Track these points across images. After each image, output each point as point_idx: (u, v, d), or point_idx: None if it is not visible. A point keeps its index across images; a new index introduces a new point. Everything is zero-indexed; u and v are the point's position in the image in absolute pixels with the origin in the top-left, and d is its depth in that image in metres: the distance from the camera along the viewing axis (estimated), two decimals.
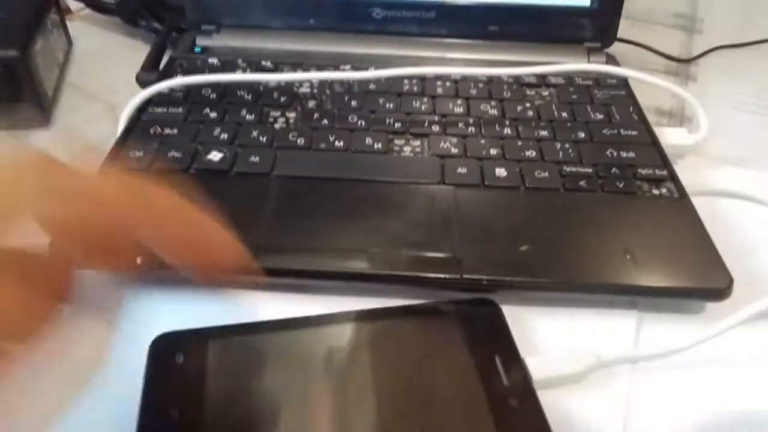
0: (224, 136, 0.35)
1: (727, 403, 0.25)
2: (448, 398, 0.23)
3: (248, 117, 0.36)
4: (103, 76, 0.44)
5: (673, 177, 0.33)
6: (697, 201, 0.32)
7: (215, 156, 0.33)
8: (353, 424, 0.22)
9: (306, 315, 0.25)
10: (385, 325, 0.25)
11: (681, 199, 0.32)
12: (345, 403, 0.22)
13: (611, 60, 0.44)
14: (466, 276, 0.27)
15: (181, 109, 0.37)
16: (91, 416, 0.24)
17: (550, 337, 0.27)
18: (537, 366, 0.24)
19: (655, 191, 0.32)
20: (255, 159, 0.33)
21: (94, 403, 0.24)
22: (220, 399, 0.22)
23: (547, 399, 0.23)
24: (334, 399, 0.23)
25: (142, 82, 0.41)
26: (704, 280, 0.28)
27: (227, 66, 0.41)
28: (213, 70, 0.41)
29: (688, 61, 0.49)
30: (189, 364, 0.23)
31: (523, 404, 0.23)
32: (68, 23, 0.47)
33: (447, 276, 0.28)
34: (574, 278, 0.28)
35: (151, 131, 0.35)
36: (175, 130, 0.35)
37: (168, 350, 0.24)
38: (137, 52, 0.45)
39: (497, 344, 0.25)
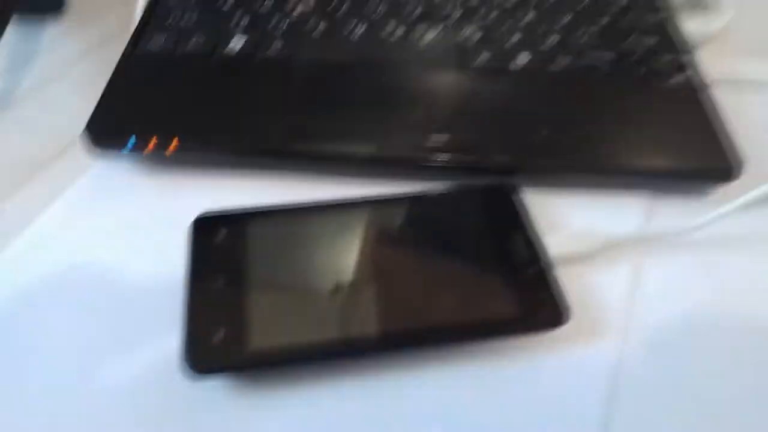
0: (244, 21, 0.34)
1: (731, 280, 0.27)
2: (472, 271, 0.25)
3: (267, 2, 0.36)
4: None
5: (694, 64, 0.33)
6: (717, 89, 0.32)
7: (237, 42, 0.33)
8: (385, 291, 0.24)
9: (338, 198, 0.27)
10: (413, 207, 0.27)
11: (700, 85, 0.32)
12: (378, 274, 0.24)
13: None
14: (485, 158, 0.28)
15: None
16: (142, 283, 0.26)
17: (565, 218, 0.29)
18: (551, 243, 0.26)
19: (674, 78, 0.33)
20: (277, 45, 0.33)
21: (144, 271, 0.26)
22: (259, 269, 0.24)
23: (559, 274, 0.25)
24: (366, 272, 0.24)
25: None
26: (715, 162, 0.29)
27: None
28: None
29: None
30: (229, 240, 0.25)
31: (538, 275, 0.24)
32: None
33: (469, 158, 0.29)
34: (592, 161, 0.29)
35: (171, 16, 0.35)
36: (195, 16, 0.35)
37: (208, 227, 0.25)
38: None
39: (517, 223, 0.26)
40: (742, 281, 0.27)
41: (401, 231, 0.26)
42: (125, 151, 0.29)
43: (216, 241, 0.25)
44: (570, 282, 0.25)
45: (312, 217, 0.26)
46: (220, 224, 0.25)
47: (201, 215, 0.26)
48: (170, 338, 0.23)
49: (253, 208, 0.26)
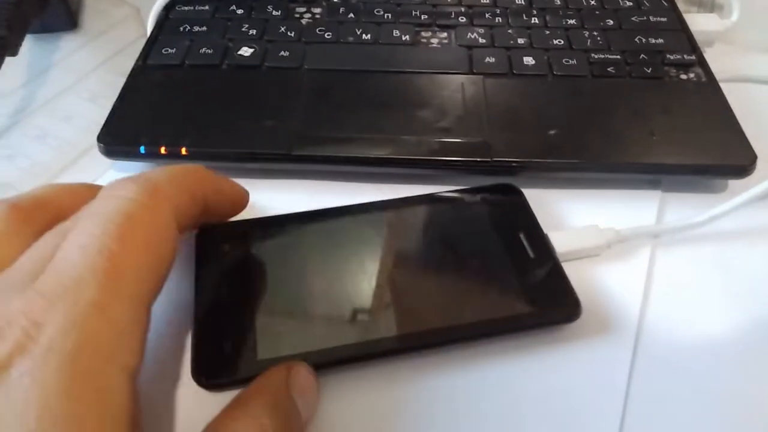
0: (253, 32, 0.35)
1: (743, 276, 0.27)
2: (484, 270, 0.24)
3: (275, 13, 0.37)
4: None
5: (702, 62, 0.33)
6: (725, 87, 0.32)
7: (246, 51, 0.34)
8: (398, 294, 0.23)
9: (341, 205, 0.26)
10: (417, 209, 0.27)
11: (709, 83, 0.32)
12: (383, 277, 0.24)
13: None
14: (496, 159, 0.28)
15: (207, 7, 0.37)
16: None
17: (576, 217, 0.28)
18: (559, 240, 0.26)
19: (683, 76, 0.33)
20: (285, 53, 0.34)
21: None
22: (266, 277, 0.24)
23: (569, 271, 0.24)
24: (378, 276, 0.24)
25: None
26: (727, 157, 0.28)
27: None
28: None
29: None
30: (234, 250, 0.25)
31: (547, 272, 0.24)
32: None
33: (477, 159, 0.29)
34: (601, 158, 0.29)
35: (181, 29, 0.35)
36: (204, 28, 0.35)
37: (212, 239, 0.25)
38: None
39: (521, 222, 0.26)
40: (755, 275, 0.27)
41: (411, 233, 0.26)
42: (136, 159, 0.29)
43: (221, 252, 0.24)
44: (581, 278, 0.24)
45: (318, 223, 0.26)
46: (223, 235, 0.25)
47: (202, 226, 0.25)
48: (180, 350, 0.23)
49: (255, 219, 0.26)
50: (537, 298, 0.23)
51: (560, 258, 0.25)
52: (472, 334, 0.23)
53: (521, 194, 0.27)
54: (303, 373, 0.20)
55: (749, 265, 0.27)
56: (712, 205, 0.27)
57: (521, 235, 0.25)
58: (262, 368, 0.20)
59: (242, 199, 0.24)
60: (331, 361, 0.22)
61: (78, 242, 0.16)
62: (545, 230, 0.26)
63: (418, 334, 0.22)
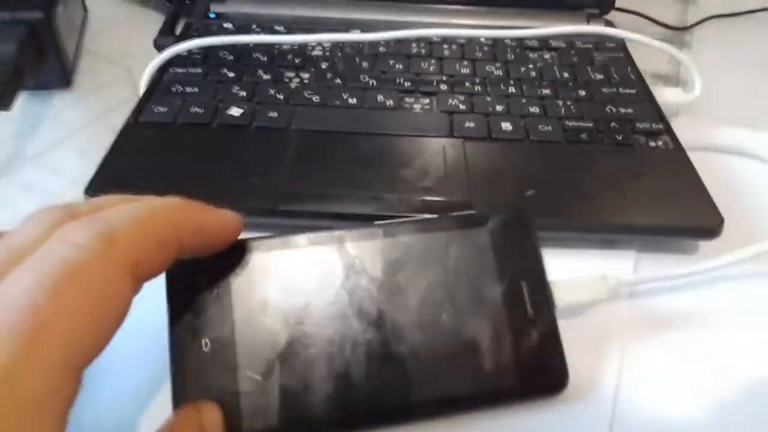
0: (243, 93, 0.36)
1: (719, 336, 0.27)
2: (473, 330, 0.23)
3: (264, 77, 0.38)
4: (120, 43, 0.46)
5: (669, 130, 0.35)
6: (691, 155, 0.34)
7: (235, 112, 0.35)
8: (378, 331, 0.22)
9: (322, 230, 0.24)
10: (411, 236, 0.24)
11: (676, 150, 0.34)
12: (372, 311, 0.22)
13: (610, 26, 0.45)
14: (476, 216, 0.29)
15: (200, 70, 0.38)
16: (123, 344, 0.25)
17: (552, 277, 0.29)
18: (560, 291, 0.25)
19: (652, 143, 0.34)
20: (273, 114, 0.35)
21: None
22: (242, 314, 0.22)
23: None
24: (357, 310, 0.22)
25: (160, 47, 0.42)
26: (696, 219, 0.30)
27: (242, 30, 0.43)
28: (229, 33, 0.42)
29: (683, 29, 0.51)
30: (207, 286, 0.23)
31: (543, 337, 0.23)
32: None
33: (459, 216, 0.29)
34: (576, 218, 0.30)
35: (173, 89, 0.37)
36: (196, 89, 0.37)
37: (184, 278, 0.22)
38: (150, 20, 0.47)
39: (525, 267, 0.24)
40: (730, 338, 0.27)
41: (401, 274, 0.23)
42: None
43: (193, 291, 0.22)
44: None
45: (298, 250, 0.23)
46: (196, 272, 0.23)
47: (173, 266, 0.21)
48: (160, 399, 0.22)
49: (225, 250, 0.23)
50: (527, 369, 0.22)
51: (556, 316, 0.23)
52: (455, 407, 0.22)
53: (532, 229, 0.24)
54: (213, 412, 0.20)
55: (723, 325, 0.28)
56: (685, 266, 0.28)
57: (523, 285, 0.23)
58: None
59: (231, 232, 0.22)
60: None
61: (4, 292, 0.14)
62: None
63: (396, 405, 0.21)
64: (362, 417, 0.21)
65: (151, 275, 0.18)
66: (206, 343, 0.22)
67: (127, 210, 0.18)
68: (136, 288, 0.17)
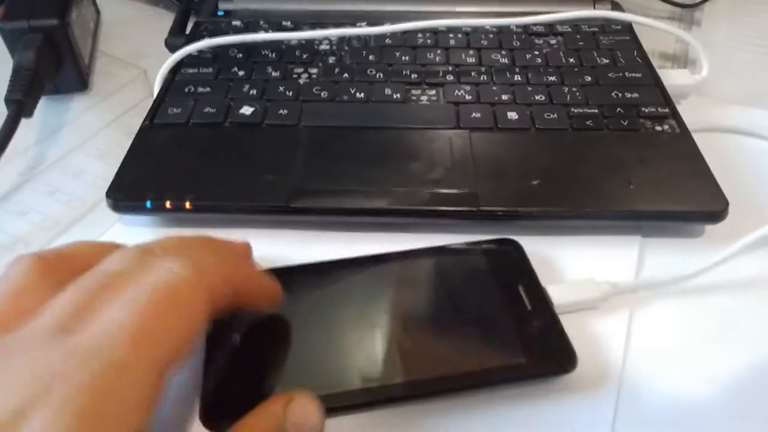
0: (253, 92, 0.37)
1: (728, 324, 0.28)
2: (480, 321, 0.25)
3: (274, 74, 0.39)
4: (133, 43, 0.47)
5: (675, 114, 0.35)
6: (698, 137, 0.34)
7: (247, 110, 0.36)
8: (393, 345, 0.24)
9: (341, 258, 0.27)
10: (423, 261, 0.28)
11: (682, 134, 0.34)
12: (386, 330, 0.25)
13: (616, 7, 0.45)
14: (482, 208, 0.30)
15: (211, 69, 0.39)
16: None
17: (560, 264, 0.30)
18: (557, 293, 0.27)
19: (658, 128, 0.35)
20: (283, 112, 0.36)
21: None
22: (276, 326, 0.25)
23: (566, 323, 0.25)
24: (376, 330, 0.25)
25: (171, 47, 0.43)
26: (701, 204, 0.30)
27: (250, 27, 0.43)
28: (237, 31, 0.43)
29: (692, 6, 0.51)
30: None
31: (544, 322, 0.25)
32: None
33: (465, 209, 0.30)
34: (582, 206, 0.30)
35: (186, 90, 0.38)
36: (208, 89, 0.38)
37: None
38: (160, 20, 0.48)
39: (526, 275, 0.27)
40: (738, 325, 0.28)
41: (416, 285, 0.27)
42: (143, 214, 0.31)
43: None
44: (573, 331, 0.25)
45: (324, 275, 0.27)
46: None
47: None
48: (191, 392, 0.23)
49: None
50: (534, 348, 0.24)
51: (559, 310, 0.26)
52: (470, 384, 0.24)
53: (521, 249, 0.28)
54: (303, 403, 0.20)
55: (733, 314, 0.28)
56: (691, 251, 0.29)
57: (520, 288, 0.26)
58: None
59: (271, 301, 0.23)
60: (336, 407, 0.22)
61: (120, 303, 0.17)
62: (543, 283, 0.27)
63: (418, 383, 0.23)
64: (392, 392, 0.23)
65: (216, 312, 0.20)
66: (238, 342, 0.24)
67: (207, 245, 0.21)
68: (211, 317, 0.19)
